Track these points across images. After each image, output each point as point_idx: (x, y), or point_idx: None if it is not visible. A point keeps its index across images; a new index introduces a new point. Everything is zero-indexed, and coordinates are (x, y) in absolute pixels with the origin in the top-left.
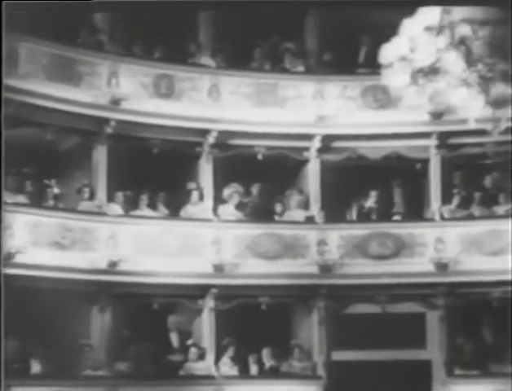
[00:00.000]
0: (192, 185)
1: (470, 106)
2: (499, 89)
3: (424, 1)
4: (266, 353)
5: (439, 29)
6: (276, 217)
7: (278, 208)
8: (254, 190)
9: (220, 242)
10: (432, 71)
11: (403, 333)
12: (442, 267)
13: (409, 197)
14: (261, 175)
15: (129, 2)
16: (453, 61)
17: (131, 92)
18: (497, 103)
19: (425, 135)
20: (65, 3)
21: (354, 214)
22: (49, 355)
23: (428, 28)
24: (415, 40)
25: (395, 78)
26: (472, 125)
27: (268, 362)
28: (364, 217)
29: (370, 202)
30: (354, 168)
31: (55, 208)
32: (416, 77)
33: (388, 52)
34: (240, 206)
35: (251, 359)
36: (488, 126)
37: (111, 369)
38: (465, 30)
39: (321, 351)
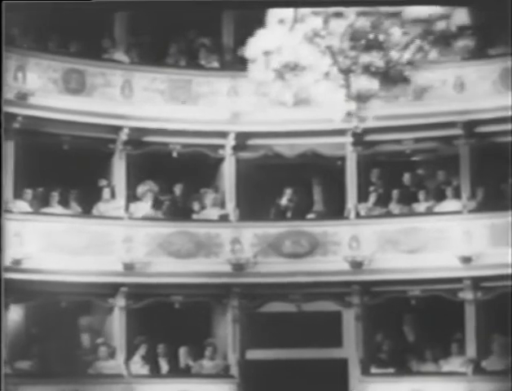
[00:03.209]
0: (102, 182)
1: (331, 100)
2: (362, 83)
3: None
4: (183, 352)
5: (293, 23)
6: (194, 216)
7: (196, 206)
8: (177, 189)
9: (131, 240)
10: (298, 66)
11: (319, 332)
12: (356, 265)
13: (330, 195)
14: (178, 173)
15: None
16: (307, 54)
17: (40, 87)
18: (360, 98)
19: (340, 132)
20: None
21: (271, 212)
22: None
23: (281, 22)
24: (275, 34)
25: (259, 73)
26: (338, 121)
27: (185, 361)
28: (281, 215)
29: (285, 200)
30: (271, 166)
31: None
32: (282, 72)
33: (252, 47)
34: (155, 204)
35: (164, 358)
36: (353, 123)
37: (12, 367)
38: (316, 23)
39: (235, 350)
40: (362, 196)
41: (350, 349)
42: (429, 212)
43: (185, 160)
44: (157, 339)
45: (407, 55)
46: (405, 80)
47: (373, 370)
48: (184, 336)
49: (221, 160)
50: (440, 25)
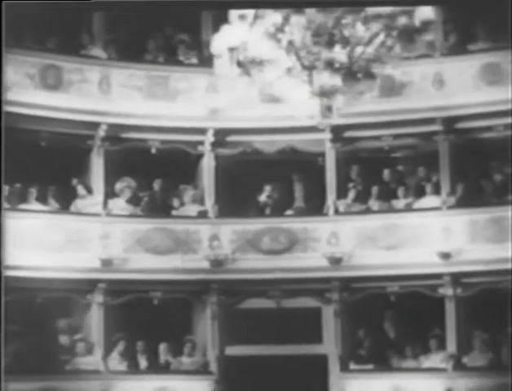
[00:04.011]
0: (74, 181)
1: (295, 97)
2: (325, 79)
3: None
4: (162, 349)
5: (254, 18)
6: (174, 212)
7: (175, 202)
8: (156, 185)
9: (109, 236)
10: (263, 61)
11: (299, 328)
12: (335, 262)
13: (311, 192)
14: (156, 169)
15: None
16: (270, 50)
17: (16, 83)
18: (324, 93)
19: (319, 129)
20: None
21: (250, 209)
22: None
23: (242, 17)
24: (238, 30)
25: (224, 69)
26: (302, 118)
27: (165, 358)
28: (260, 211)
29: (264, 197)
30: (250, 162)
31: None
32: (248, 68)
33: (217, 43)
34: (133, 200)
35: (142, 354)
36: (317, 120)
37: None
38: (276, 18)
39: (214, 346)
40: (341, 193)
41: (330, 345)
42: (408, 208)
43: (164, 157)
44: (136, 335)
45: (370, 50)
46: (371, 76)
47: (353, 366)
48: (163, 332)
49: (200, 156)
50: (402, 20)
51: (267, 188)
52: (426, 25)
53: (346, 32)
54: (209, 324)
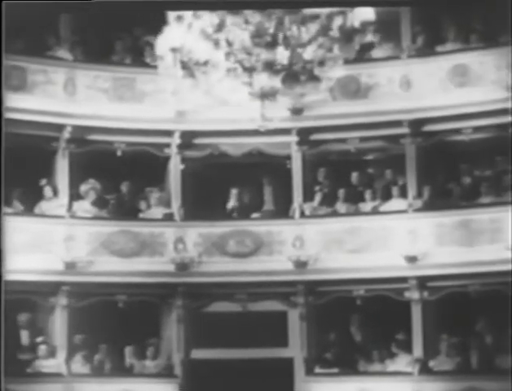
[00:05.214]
0: (42, 181)
1: (236, 98)
2: (264, 80)
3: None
4: (128, 352)
5: (191, 19)
6: (141, 215)
7: (142, 205)
8: (124, 188)
9: (72, 239)
10: (207, 63)
11: (265, 331)
12: (300, 265)
13: (280, 195)
14: (123, 171)
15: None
16: (210, 52)
17: None
18: (264, 95)
19: (285, 131)
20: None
21: (217, 212)
22: None
23: (179, 18)
24: (179, 32)
25: (168, 70)
26: (243, 121)
27: (130, 361)
28: (227, 214)
29: (231, 200)
30: (217, 165)
31: None
32: (192, 70)
33: (160, 44)
34: (98, 203)
35: (106, 357)
36: (258, 123)
37: None
38: (213, 20)
39: (179, 349)
40: (308, 196)
41: (296, 348)
42: (374, 211)
43: (130, 159)
44: (100, 338)
45: (309, 52)
46: (314, 78)
47: (318, 370)
48: (128, 335)
49: (167, 158)
50: (338, 21)
51: (234, 191)
52: (366, 26)
53: (288, 33)
54: (175, 327)
